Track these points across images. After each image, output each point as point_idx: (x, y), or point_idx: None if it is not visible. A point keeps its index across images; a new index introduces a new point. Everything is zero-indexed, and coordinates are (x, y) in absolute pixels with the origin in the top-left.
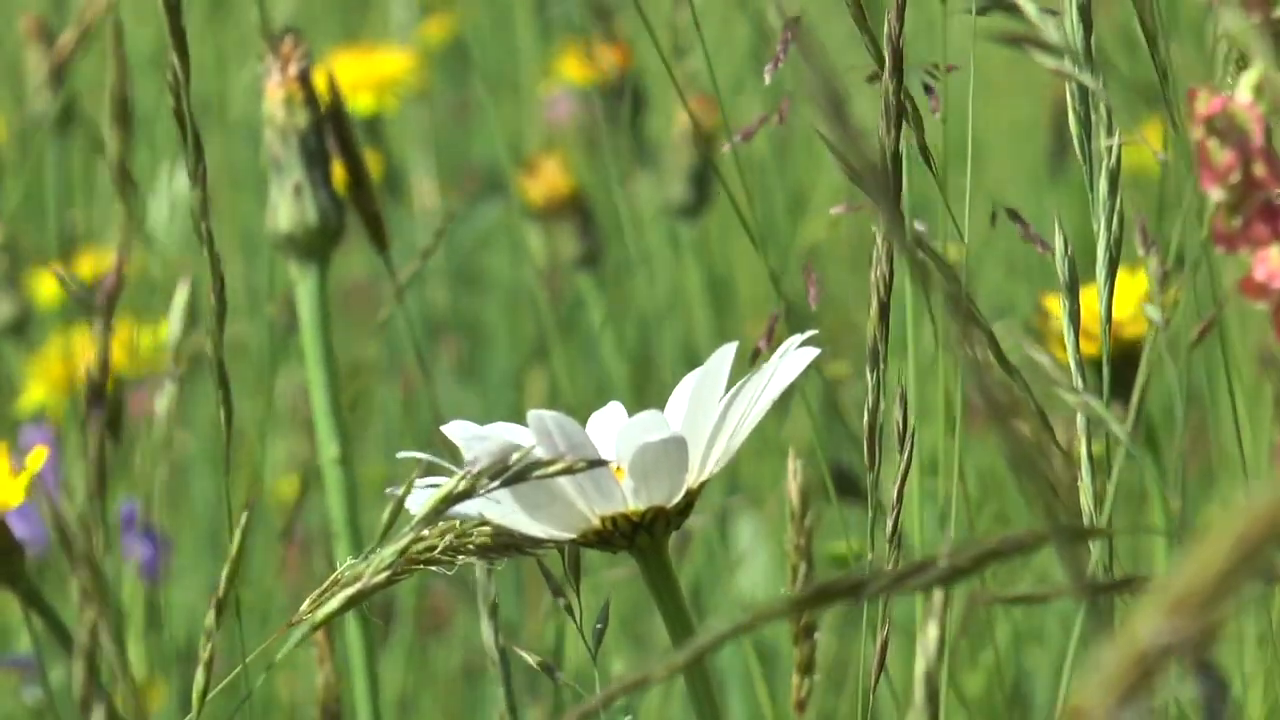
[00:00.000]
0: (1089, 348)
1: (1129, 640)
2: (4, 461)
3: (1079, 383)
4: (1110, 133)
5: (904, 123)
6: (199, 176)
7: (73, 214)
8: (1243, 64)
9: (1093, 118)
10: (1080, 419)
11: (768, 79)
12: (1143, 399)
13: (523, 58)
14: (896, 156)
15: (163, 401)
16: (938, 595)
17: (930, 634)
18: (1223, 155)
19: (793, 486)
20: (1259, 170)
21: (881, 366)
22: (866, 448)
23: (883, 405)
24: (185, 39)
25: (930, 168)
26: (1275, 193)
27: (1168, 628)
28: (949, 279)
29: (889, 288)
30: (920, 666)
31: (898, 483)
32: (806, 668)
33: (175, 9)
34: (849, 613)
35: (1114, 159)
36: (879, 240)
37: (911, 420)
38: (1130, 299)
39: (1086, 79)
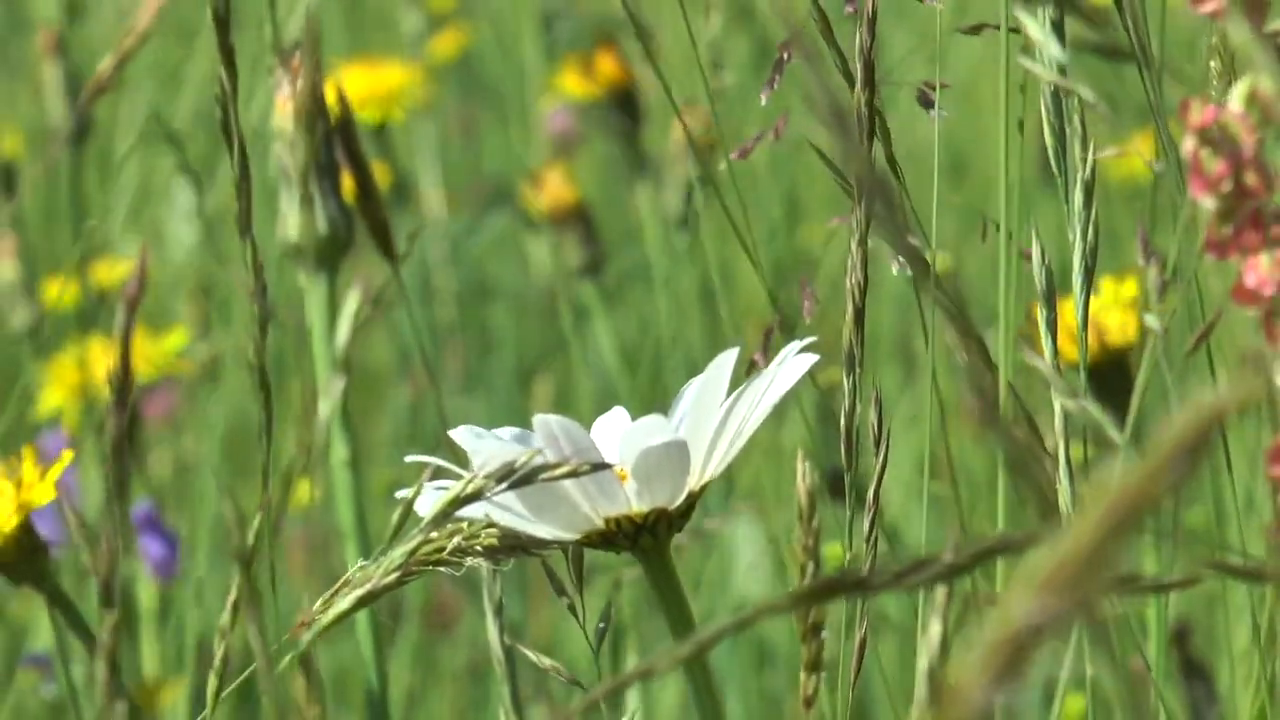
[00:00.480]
0: (1074, 354)
1: (1002, 620)
2: (30, 464)
3: (1063, 388)
4: (1085, 145)
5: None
6: (244, 190)
7: (89, 224)
8: (1230, 75)
9: (1067, 130)
10: (1059, 423)
11: (764, 100)
12: (1138, 405)
13: (528, 72)
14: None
15: (325, 405)
16: (941, 592)
17: (933, 631)
18: (1215, 164)
19: (801, 488)
20: (1250, 179)
21: (857, 370)
22: (844, 449)
23: (859, 408)
24: (233, 54)
25: (899, 179)
26: (1265, 201)
27: (1038, 607)
28: (948, 288)
29: (863, 294)
30: (923, 663)
31: (874, 484)
32: (814, 665)
33: (224, 24)
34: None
35: (1089, 171)
36: (853, 248)
37: (887, 422)
38: (1118, 307)
39: (1085, 91)
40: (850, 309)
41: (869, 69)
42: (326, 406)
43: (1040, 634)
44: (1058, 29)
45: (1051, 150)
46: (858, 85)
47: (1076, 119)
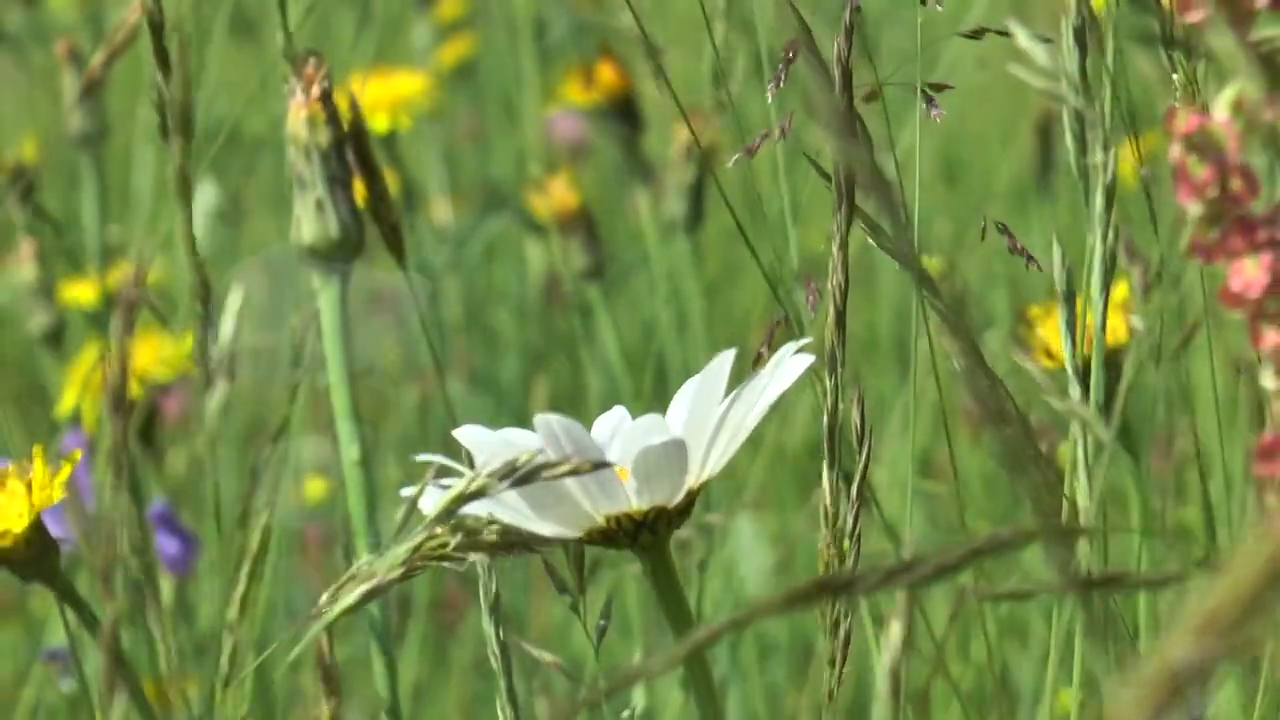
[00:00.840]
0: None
1: (1160, 660)
2: (40, 463)
3: (1077, 389)
4: (1105, 150)
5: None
6: (184, 193)
7: (108, 227)
8: (1192, 86)
9: (1088, 136)
10: (1074, 423)
11: (770, 97)
12: (1124, 404)
13: (530, 80)
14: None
15: (214, 400)
16: (901, 595)
17: (894, 631)
18: (1201, 170)
19: (826, 490)
20: (1236, 185)
21: (839, 370)
22: (827, 448)
23: (841, 407)
24: (168, 58)
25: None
26: (1250, 206)
27: (1197, 648)
28: (949, 292)
29: (845, 295)
30: (885, 661)
31: (856, 481)
32: (834, 661)
33: (158, 30)
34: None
35: (1109, 175)
36: (834, 250)
37: (883, 423)
38: (1112, 309)
39: (1075, 100)
40: (831, 310)
41: (846, 75)
42: (214, 401)
43: (1198, 675)
44: (1079, 35)
45: (1073, 156)
46: (835, 90)
47: (1099, 126)
